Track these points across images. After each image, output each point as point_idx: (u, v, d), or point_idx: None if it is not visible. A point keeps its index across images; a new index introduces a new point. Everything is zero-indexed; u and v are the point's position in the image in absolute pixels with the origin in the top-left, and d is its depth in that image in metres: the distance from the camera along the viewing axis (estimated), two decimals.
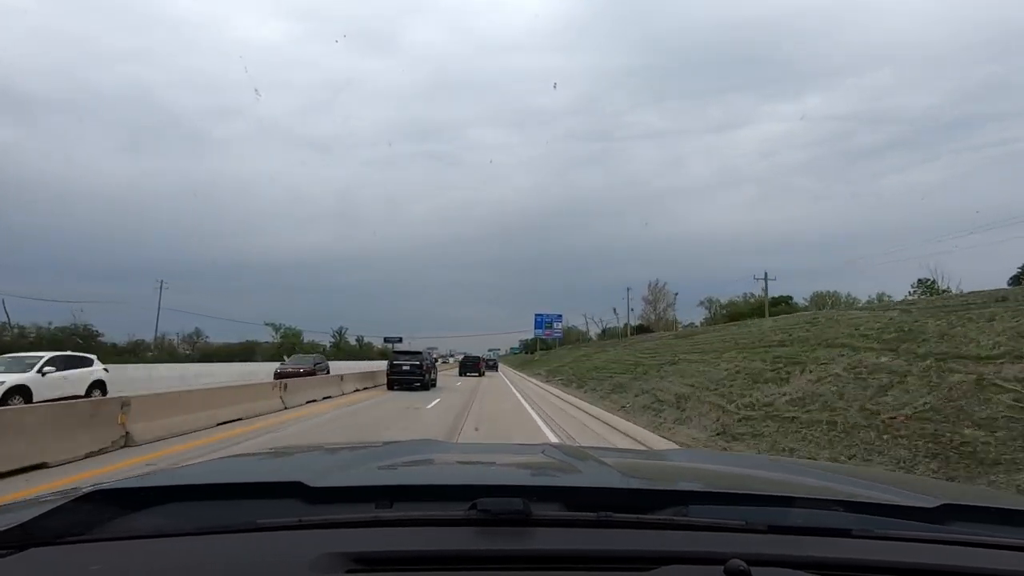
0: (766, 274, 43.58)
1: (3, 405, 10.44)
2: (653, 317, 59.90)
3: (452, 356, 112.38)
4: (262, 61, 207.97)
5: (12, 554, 0.77)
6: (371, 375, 23.45)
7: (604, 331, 69.41)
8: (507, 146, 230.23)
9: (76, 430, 7.04)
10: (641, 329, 54.06)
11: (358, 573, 0.74)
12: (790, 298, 49.12)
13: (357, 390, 20.08)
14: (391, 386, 21.73)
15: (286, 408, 13.45)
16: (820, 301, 48.65)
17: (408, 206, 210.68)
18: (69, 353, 15.14)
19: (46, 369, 13.22)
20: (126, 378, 19.87)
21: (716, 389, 13.05)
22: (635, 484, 1.20)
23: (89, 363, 15.00)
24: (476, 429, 10.77)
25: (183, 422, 9.30)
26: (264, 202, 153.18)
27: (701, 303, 61.67)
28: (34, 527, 0.81)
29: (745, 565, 0.72)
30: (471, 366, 38.69)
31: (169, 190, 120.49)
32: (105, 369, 15.53)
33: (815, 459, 6.85)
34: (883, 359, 9.83)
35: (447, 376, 34.50)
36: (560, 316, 75.21)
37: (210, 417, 10.16)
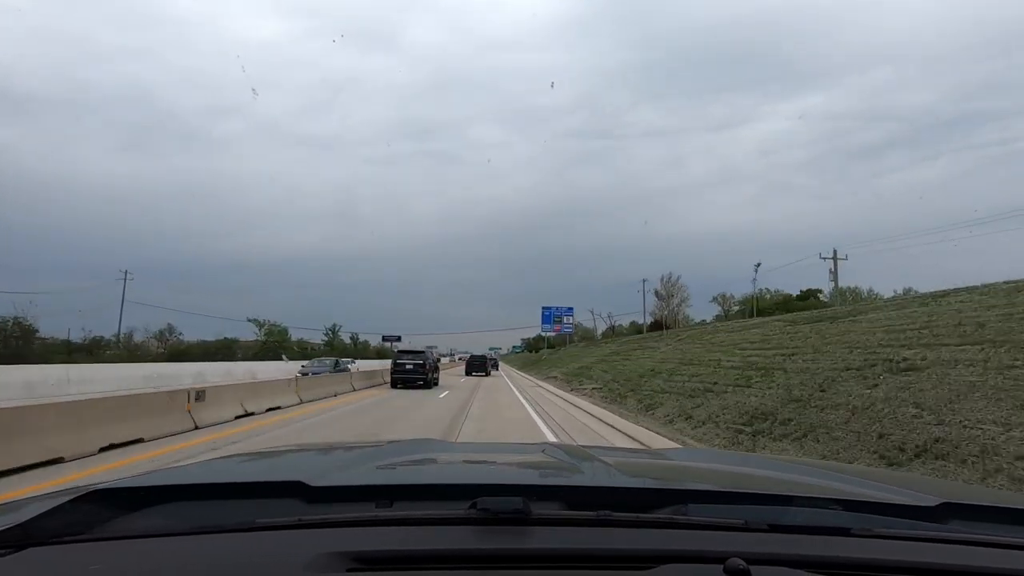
0: (835, 253, 30.58)
1: None
2: (666, 313, 55.33)
3: (452, 355, 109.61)
4: (261, 60, 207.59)
5: (11, 553, 0.77)
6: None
7: (612, 328, 63.35)
8: (507, 145, 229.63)
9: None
10: (656, 325, 49.02)
11: (358, 572, 0.74)
12: (819, 291, 44.74)
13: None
14: (394, 384, 22.33)
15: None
16: (840, 296, 44.70)
17: (408, 205, 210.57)
18: None
19: None
20: None
21: None
22: (635, 483, 1.22)
23: None
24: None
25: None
26: (262, 201, 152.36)
27: (714, 299, 56.97)
28: (33, 527, 0.82)
29: (745, 564, 0.72)
30: (478, 365, 38.35)
31: (164, 189, 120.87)
32: None
33: None
34: None
35: (447, 375, 33.96)
36: (571, 309, 64.98)
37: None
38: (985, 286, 13.64)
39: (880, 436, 7.21)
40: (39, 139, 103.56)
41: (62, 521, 0.83)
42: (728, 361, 16.75)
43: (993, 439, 6.02)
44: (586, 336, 71.35)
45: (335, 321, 78.16)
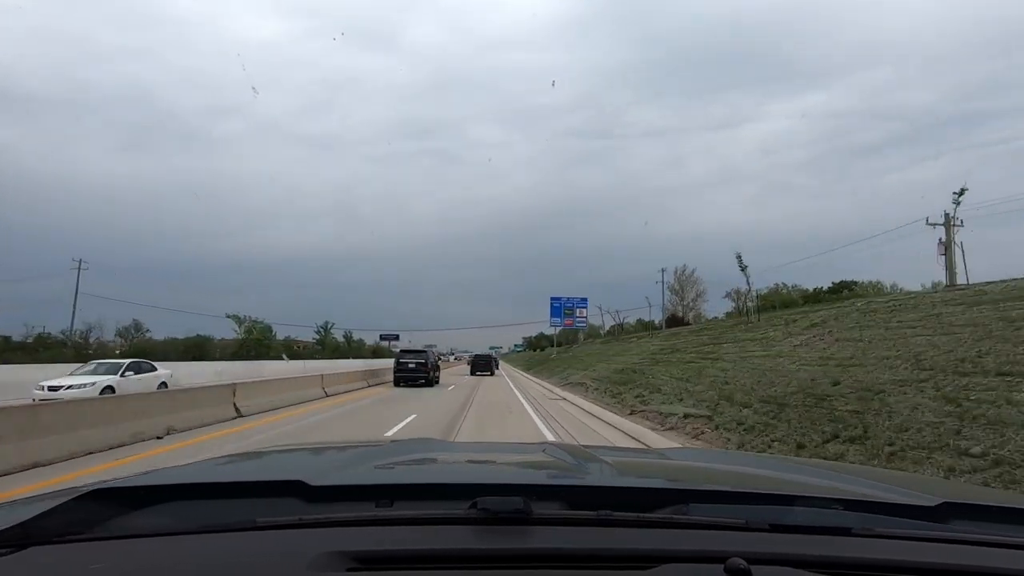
0: (949, 220, 19.65)
1: None
2: (680, 308, 50.45)
3: (452, 354, 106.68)
4: (261, 60, 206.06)
5: (12, 553, 0.77)
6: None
7: (621, 326, 55.82)
8: (507, 144, 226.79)
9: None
10: (673, 321, 44.81)
11: (358, 572, 0.74)
12: (855, 283, 40.02)
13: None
14: (397, 383, 23.10)
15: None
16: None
17: (408, 204, 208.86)
18: None
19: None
20: None
21: None
22: (636, 483, 1.22)
23: None
24: None
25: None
26: (262, 201, 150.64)
27: (727, 295, 51.52)
28: (34, 526, 0.81)
29: (745, 564, 0.71)
30: (483, 365, 38.35)
31: (164, 189, 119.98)
32: None
33: None
34: None
35: (447, 374, 33.23)
36: (584, 301, 54.58)
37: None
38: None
39: None
40: (39, 139, 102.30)
41: (63, 520, 0.83)
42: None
43: None
44: (592, 334, 63.13)
45: (335, 320, 74.41)
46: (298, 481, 0.93)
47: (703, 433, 10.17)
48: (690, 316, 49.59)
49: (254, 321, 58.55)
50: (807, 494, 1.03)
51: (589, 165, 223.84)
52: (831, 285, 38.98)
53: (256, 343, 55.05)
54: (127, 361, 17.57)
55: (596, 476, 1.21)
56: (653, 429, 11.20)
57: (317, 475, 0.99)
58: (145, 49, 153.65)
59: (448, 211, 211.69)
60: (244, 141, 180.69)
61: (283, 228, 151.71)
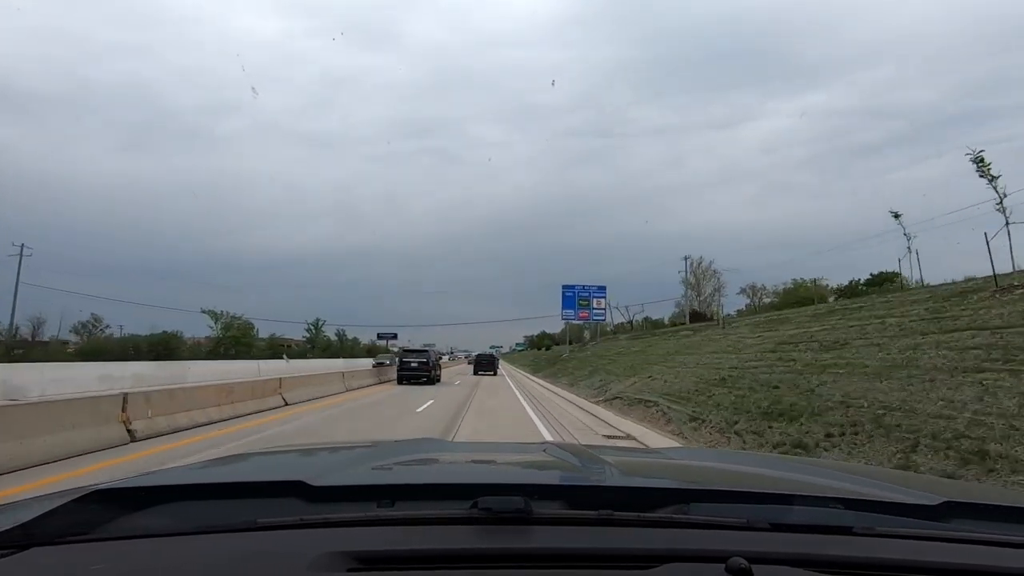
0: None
1: None
2: (697, 304, 45.59)
3: (452, 354, 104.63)
4: (261, 59, 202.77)
5: (13, 554, 0.77)
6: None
7: (631, 323, 49.70)
8: (507, 144, 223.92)
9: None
10: (695, 316, 38.93)
11: (359, 572, 0.73)
12: (897, 274, 36.37)
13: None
14: (400, 381, 23.85)
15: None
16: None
17: (408, 203, 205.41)
18: None
19: None
20: None
21: None
22: (636, 482, 1.21)
23: None
24: None
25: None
26: (262, 200, 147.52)
27: (742, 290, 46.18)
28: (35, 527, 0.81)
29: (746, 563, 0.71)
30: (486, 364, 38.46)
31: (163, 188, 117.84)
32: None
33: None
34: None
35: (446, 373, 33.19)
36: (603, 289, 45.36)
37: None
38: None
39: None
40: (39, 138, 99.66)
41: (64, 521, 0.83)
42: None
43: None
44: (599, 331, 52.29)
45: (335, 319, 70.53)
46: (299, 481, 0.93)
47: None
48: (710, 312, 44.79)
49: (233, 317, 52.04)
50: (808, 493, 1.03)
51: (589, 164, 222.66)
52: (870, 277, 35.08)
53: (235, 341, 49.86)
54: None
55: (597, 476, 1.21)
56: None
57: (318, 475, 1.00)
58: (145, 47, 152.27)
59: (448, 210, 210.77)
60: (244, 140, 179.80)
61: (282, 227, 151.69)
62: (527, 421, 12.05)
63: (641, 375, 18.66)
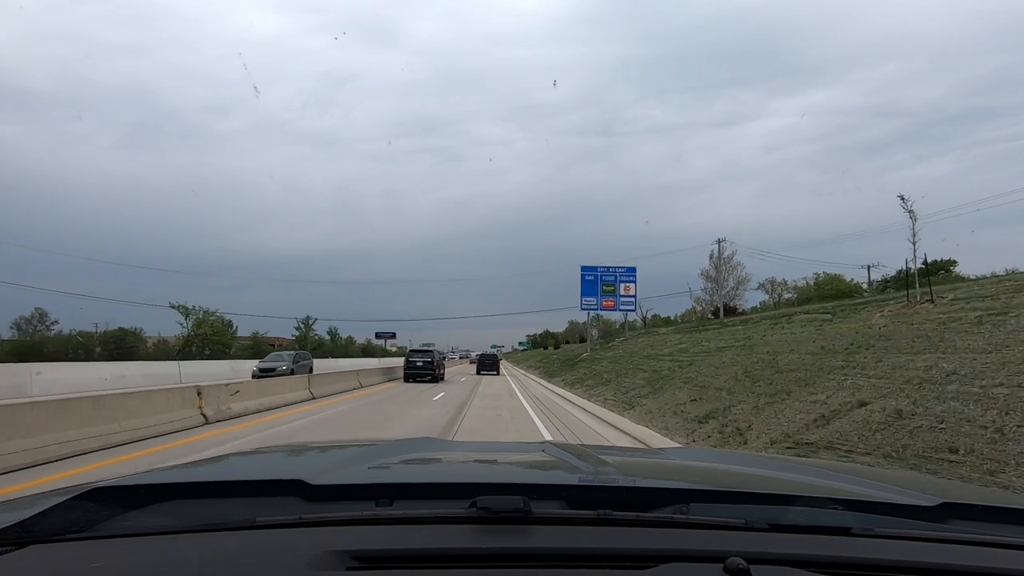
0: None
1: None
2: (718, 299, 37.78)
3: (452, 353, 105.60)
4: (262, 59, 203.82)
5: (12, 551, 0.77)
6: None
7: (645, 320, 48.11)
8: (509, 142, 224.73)
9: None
10: (727, 311, 34.93)
11: (358, 571, 0.74)
12: (954, 263, 30.59)
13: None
14: (407, 379, 25.18)
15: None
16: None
17: (409, 202, 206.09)
18: None
19: None
20: None
21: None
22: (635, 482, 1.20)
23: None
24: None
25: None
26: (262, 200, 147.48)
27: (760, 285, 44.14)
28: (34, 524, 0.81)
29: (745, 563, 0.71)
30: (488, 364, 39.28)
31: (164, 187, 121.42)
32: None
33: None
34: None
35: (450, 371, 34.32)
36: (632, 271, 37.28)
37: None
38: None
39: None
40: (40, 137, 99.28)
41: (63, 519, 0.83)
42: None
43: None
44: (611, 332, 47.16)
45: (333, 318, 70.43)
46: (298, 480, 0.94)
47: None
48: (734, 306, 38.35)
49: (206, 312, 46.26)
50: (806, 494, 1.03)
51: (591, 162, 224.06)
52: (921, 267, 35.57)
53: (207, 339, 45.27)
54: None
55: (596, 475, 1.21)
56: None
57: (317, 474, 1.01)
58: (145, 46, 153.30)
59: (449, 208, 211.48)
60: (244, 138, 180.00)
61: (281, 226, 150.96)
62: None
63: (796, 397, 9.39)
